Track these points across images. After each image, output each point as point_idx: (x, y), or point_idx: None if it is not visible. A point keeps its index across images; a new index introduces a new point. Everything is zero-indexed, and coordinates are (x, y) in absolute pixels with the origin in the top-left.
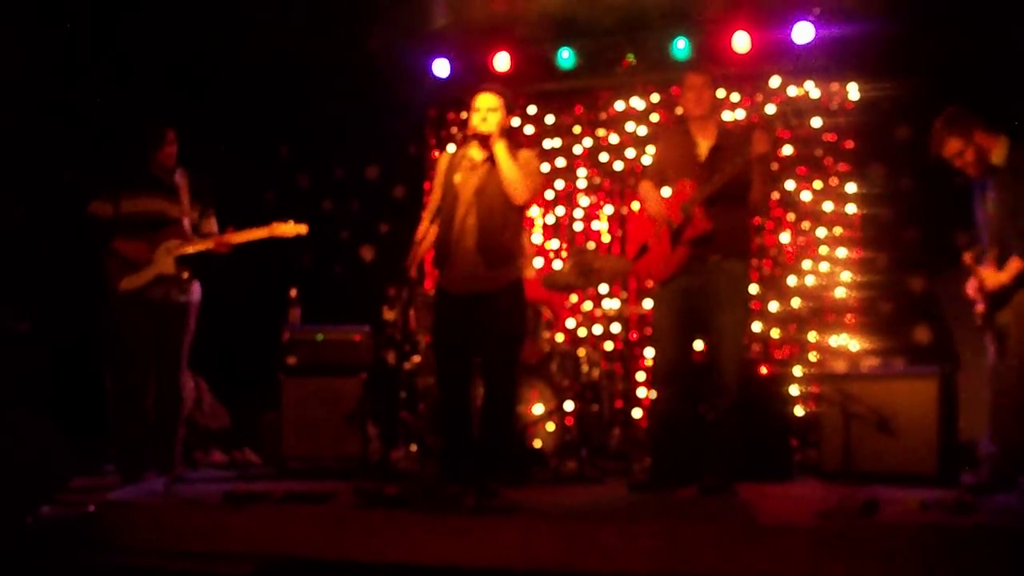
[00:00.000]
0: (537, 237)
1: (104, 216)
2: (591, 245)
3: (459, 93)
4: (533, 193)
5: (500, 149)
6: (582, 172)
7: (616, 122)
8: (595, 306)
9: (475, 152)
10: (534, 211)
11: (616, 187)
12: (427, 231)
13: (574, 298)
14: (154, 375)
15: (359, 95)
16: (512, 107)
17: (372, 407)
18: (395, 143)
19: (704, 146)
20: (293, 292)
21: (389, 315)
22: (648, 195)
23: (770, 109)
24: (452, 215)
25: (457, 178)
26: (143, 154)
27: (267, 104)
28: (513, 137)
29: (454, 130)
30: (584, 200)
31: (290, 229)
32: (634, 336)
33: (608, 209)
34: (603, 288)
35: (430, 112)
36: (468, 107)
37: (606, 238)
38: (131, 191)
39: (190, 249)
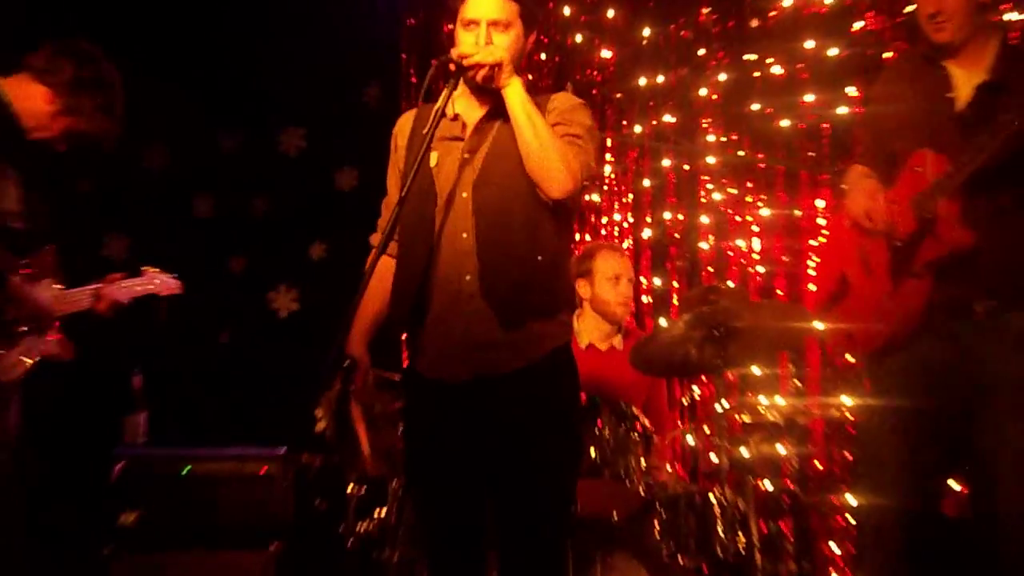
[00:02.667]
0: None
1: None
2: (730, 284)
3: None
4: (585, 174)
5: (517, 94)
6: (711, 139)
7: (778, 37)
8: (738, 406)
9: (463, 107)
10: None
11: (780, 170)
12: (384, 261)
13: (697, 390)
14: None
15: None
16: (535, 18)
17: None
18: (337, 84)
19: (967, 83)
20: (137, 380)
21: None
22: (856, 186)
23: None
24: (426, 228)
25: (432, 159)
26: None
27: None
28: (540, 73)
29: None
30: (716, 194)
31: (166, 283)
32: (820, 466)
33: (764, 212)
34: (754, 368)
35: (408, 20)
36: (449, 17)
37: (759, 267)
38: None
39: (70, 304)
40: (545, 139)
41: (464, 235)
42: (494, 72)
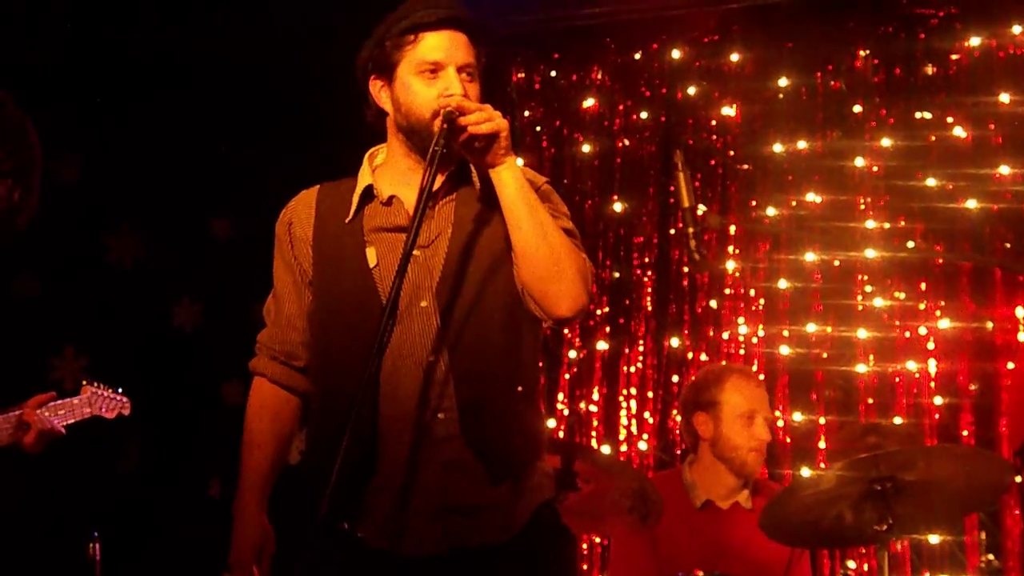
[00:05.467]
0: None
1: None
2: (897, 420)
3: None
4: (592, 284)
5: (515, 180)
6: (871, 225)
7: (962, 89)
8: None
9: (397, 185)
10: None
11: (966, 267)
12: (270, 391)
13: (853, 565)
14: None
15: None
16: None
17: None
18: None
19: None
20: (94, 550)
21: None
22: None
23: None
24: (370, 350)
25: (370, 257)
26: None
27: None
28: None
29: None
30: (878, 300)
31: (112, 402)
32: None
33: (943, 325)
34: (931, 537)
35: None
36: (377, 59)
37: (937, 398)
38: None
39: None
40: (556, 241)
41: (431, 358)
42: (487, 144)
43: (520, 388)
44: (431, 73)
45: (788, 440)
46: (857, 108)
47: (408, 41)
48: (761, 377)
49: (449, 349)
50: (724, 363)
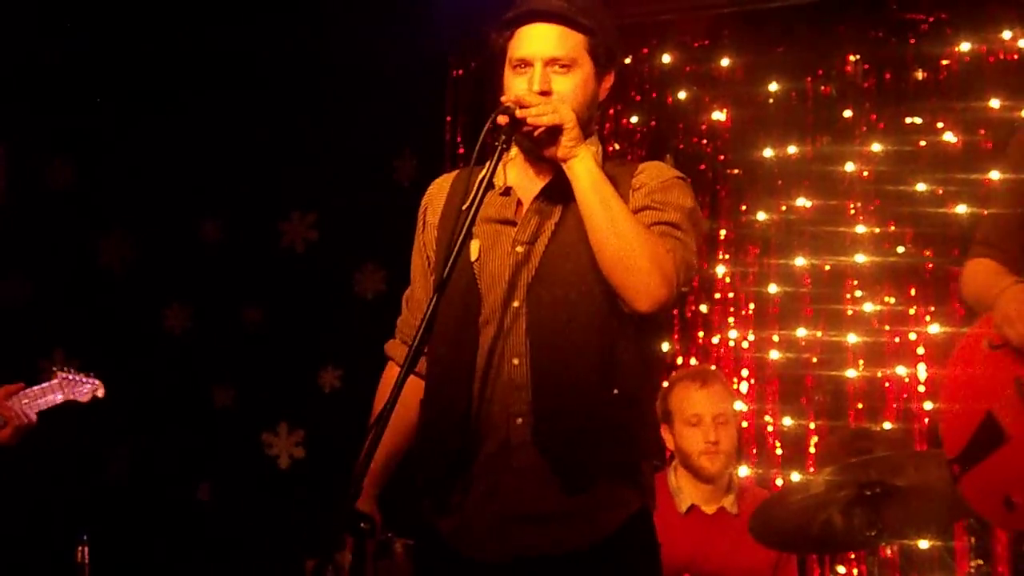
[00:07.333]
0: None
1: None
2: (886, 425)
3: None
4: (684, 277)
5: (585, 171)
6: (860, 230)
7: (952, 94)
8: None
9: (517, 177)
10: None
11: (955, 272)
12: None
13: (842, 570)
14: None
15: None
16: (612, 53)
17: None
18: (357, 155)
19: None
20: (82, 553)
21: None
22: (1002, 293)
23: None
24: (467, 346)
25: (473, 249)
26: None
27: None
28: (631, 140)
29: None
30: (867, 305)
31: (83, 385)
32: None
33: (933, 329)
34: (921, 542)
35: (453, 70)
36: (495, 58)
37: (927, 403)
38: None
39: None
40: (627, 233)
41: (515, 361)
42: (553, 136)
43: (617, 392)
44: (520, 68)
45: (778, 445)
46: (847, 113)
47: (506, 36)
48: (745, 374)
49: (533, 352)
50: (682, 368)
